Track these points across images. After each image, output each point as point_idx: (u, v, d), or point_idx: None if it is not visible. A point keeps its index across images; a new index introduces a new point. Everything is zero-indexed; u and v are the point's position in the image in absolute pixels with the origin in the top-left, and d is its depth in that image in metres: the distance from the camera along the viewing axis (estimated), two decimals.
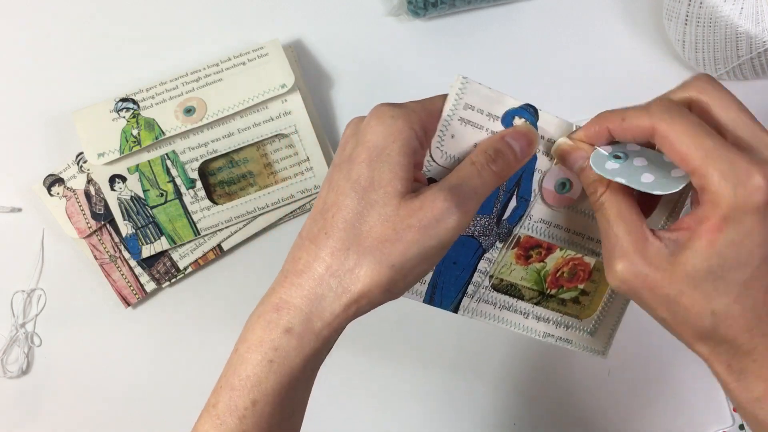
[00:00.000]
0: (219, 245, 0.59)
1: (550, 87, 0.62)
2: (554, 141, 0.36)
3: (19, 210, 0.61)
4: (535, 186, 0.37)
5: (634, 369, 0.60)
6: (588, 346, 0.42)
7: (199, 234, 0.58)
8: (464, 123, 0.35)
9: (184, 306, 0.60)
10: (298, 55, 0.62)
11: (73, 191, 0.59)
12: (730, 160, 0.30)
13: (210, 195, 0.59)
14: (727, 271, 0.31)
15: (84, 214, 0.59)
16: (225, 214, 0.58)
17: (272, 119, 0.58)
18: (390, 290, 0.32)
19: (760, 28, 0.54)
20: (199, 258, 0.59)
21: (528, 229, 0.38)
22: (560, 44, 0.62)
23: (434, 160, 0.35)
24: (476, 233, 0.38)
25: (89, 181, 0.59)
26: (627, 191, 0.34)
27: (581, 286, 0.40)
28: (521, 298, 0.40)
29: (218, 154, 0.58)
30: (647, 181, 0.33)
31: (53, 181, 0.59)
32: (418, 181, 0.34)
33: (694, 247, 0.31)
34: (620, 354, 0.60)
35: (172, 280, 0.60)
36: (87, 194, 0.59)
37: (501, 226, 0.38)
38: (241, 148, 0.58)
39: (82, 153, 0.59)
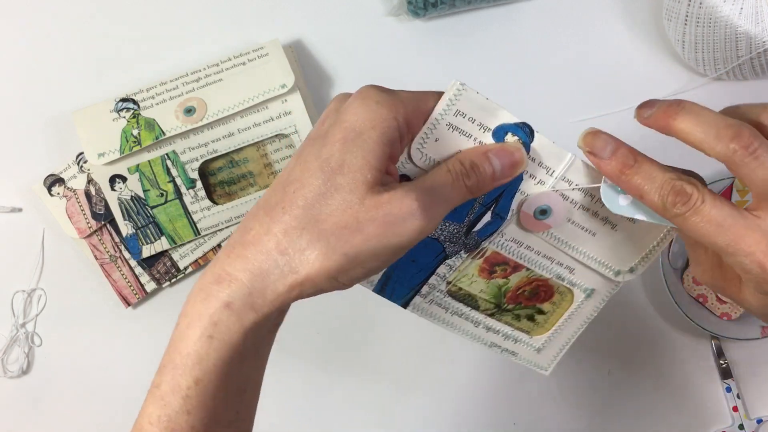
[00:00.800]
0: (219, 245, 0.59)
1: (550, 87, 0.62)
2: (545, 166, 0.35)
3: (20, 210, 0.61)
4: (513, 206, 0.36)
5: (634, 369, 0.61)
6: (532, 362, 0.42)
7: (200, 234, 0.58)
8: (452, 129, 0.33)
9: None
10: (298, 55, 0.62)
11: (74, 191, 0.59)
12: None
13: (210, 195, 0.59)
14: None
15: (84, 214, 0.59)
16: (225, 214, 0.58)
17: (272, 119, 0.58)
18: (337, 278, 0.30)
19: (759, 28, 0.54)
20: (200, 258, 0.59)
21: (498, 246, 0.38)
22: (560, 44, 0.62)
23: (411, 160, 0.34)
24: (442, 238, 0.37)
25: (89, 181, 0.59)
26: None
27: (539, 306, 0.40)
28: (476, 308, 0.40)
29: (218, 154, 0.58)
30: (622, 204, 0.35)
31: (53, 181, 0.59)
32: (389, 175, 0.32)
33: None
34: (620, 354, 0.60)
35: (173, 280, 0.60)
36: (87, 194, 0.59)
37: (470, 237, 0.37)
38: (241, 148, 0.58)
39: (82, 153, 0.59)
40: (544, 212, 0.36)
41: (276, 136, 0.59)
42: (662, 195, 0.32)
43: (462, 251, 0.37)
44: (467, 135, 0.34)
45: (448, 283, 0.39)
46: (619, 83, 0.61)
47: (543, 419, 0.60)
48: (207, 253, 0.59)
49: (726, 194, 0.59)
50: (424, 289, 0.38)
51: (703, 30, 0.56)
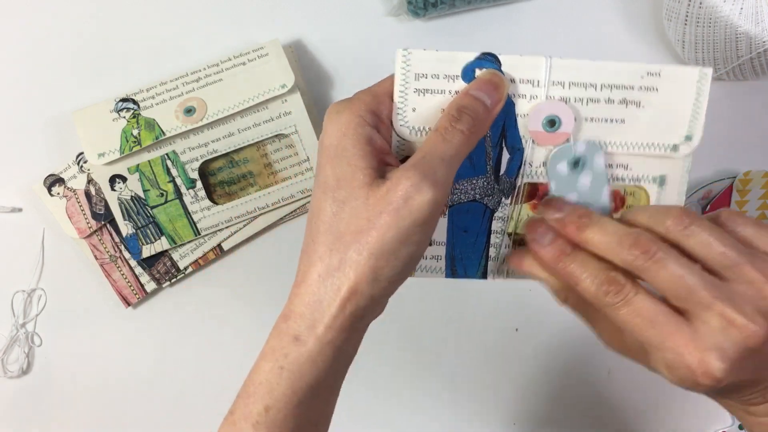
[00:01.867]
0: (219, 245, 0.59)
1: None
2: (528, 80, 0.34)
3: (20, 210, 0.61)
4: (522, 132, 0.35)
5: (633, 369, 0.60)
6: None
7: (199, 234, 0.58)
8: (421, 93, 0.34)
9: (184, 306, 0.61)
10: (298, 55, 0.62)
11: (74, 191, 0.59)
12: None
13: (210, 195, 0.59)
14: None
15: (84, 214, 0.59)
16: (225, 214, 0.58)
17: (272, 119, 0.58)
18: (377, 278, 0.31)
19: (759, 28, 0.54)
20: (199, 258, 0.59)
21: (531, 177, 0.36)
22: (560, 44, 0.62)
23: (402, 138, 0.34)
24: (478, 196, 0.36)
25: (89, 181, 0.59)
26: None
27: (617, 215, 0.37)
28: None
29: (218, 154, 0.58)
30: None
31: (54, 181, 0.59)
32: (388, 165, 0.33)
33: None
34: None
35: (173, 280, 0.60)
36: (87, 194, 0.59)
37: (501, 182, 0.36)
38: (241, 148, 0.58)
39: (82, 153, 0.59)
40: (552, 123, 0.35)
41: (276, 136, 0.59)
42: (596, 283, 0.32)
43: (503, 198, 0.36)
44: (440, 91, 0.34)
45: (509, 235, 0.37)
46: None
47: (543, 419, 0.60)
48: (207, 253, 0.59)
49: (726, 194, 0.59)
50: (492, 251, 0.37)
51: (703, 30, 0.56)
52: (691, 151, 0.36)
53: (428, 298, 0.61)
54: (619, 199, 0.37)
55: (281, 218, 0.60)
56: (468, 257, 0.37)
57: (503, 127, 0.35)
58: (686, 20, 0.57)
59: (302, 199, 0.59)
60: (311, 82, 0.62)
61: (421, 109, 0.34)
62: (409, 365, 0.61)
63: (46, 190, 0.59)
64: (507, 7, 0.63)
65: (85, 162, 0.59)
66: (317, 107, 0.61)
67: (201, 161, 0.58)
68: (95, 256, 0.59)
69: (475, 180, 0.36)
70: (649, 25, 0.63)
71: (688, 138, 0.36)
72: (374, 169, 0.32)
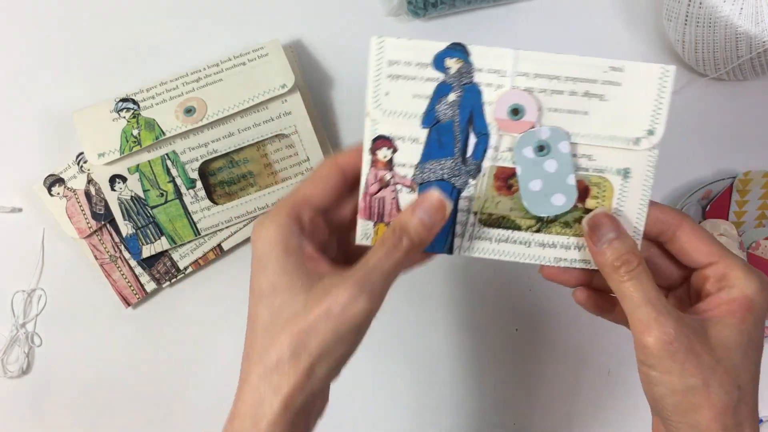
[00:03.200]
0: (219, 245, 0.59)
1: None
2: (495, 70, 0.36)
3: (20, 210, 0.61)
4: (489, 119, 0.37)
5: (633, 369, 0.60)
6: None
7: (200, 234, 0.58)
8: (394, 78, 0.36)
9: (184, 306, 0.61)
10: (298, 55, 0.62)
11: (74, 191, 0.59)
12: (745, 264, 0.37)
13: (210, 195, 0.59)
14: (751, 349, 0.35)
15: (84, 214, 0.59)
16: (225, 214, 0.58)
17: (272, 119, 0.58)
18: (314, 376, 0.33)
19: (759, 28, 0.54)
20: (200, 258, 0.59)
21: (496, 161, 0.38)
22: (560, 44, 0.62)
23: (375, 120, 0.37)
24: (446, 176, 0.38)
25: (89, 181, 0.59)
26: (649, 268, 0.36)
27: (582, 206, 0.39)
28: (517, 228, 0.39)
29: (218, 154, 0.58)
30: (533, 189, 0.37)
31: (54, 181, 0.59)
32: (320, 269, 0.35)
33: (726, 322, 0.35)
34: (620, 354, 0.60)
35: (173, 280, 0.60)
36: (87, 194, 0.59)
37: (468, 164, 0.38)
38: (241, 148, 0.58)
39: (82, 153, 0.59)
40: (516, 111, 0.37)
41: (276, 136, 0.59)
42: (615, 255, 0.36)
43: (469, 179, 0.38)
44: (412, 77, 0.36)
45: (475, 213, 0.39)
46: None
47: (543, 419, 0.60)
48: (207, 253, 0.59)
49: (726, 194, 0.59)
50: (458, 228, 0.39)
51: (703, 30, 0.56)
52: (652, 145, 0.37)
53: (428, 298, 0.61)
54: (583, 188, 0.38)
55: None
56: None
57: (471, 114, 0.37)
58: (686, 20, 0.57)
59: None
60: (311, 82, 0.62)
61: (394, 92, 0.37)
62: (408, 365, 0.61)
63: (46, 190, 0.59)
64: (507, 7, 0.63)
65: (85, 162, 0.59)
66: (317, 107, 0.61)
67: (201, 161, 0.58)
68: (95, 256, 0.59)
69: (443, 161, 0.38)
70: (649, 25, 0.63)
71: (650, 132, 0.37)
72: (308, 275, 0.34)
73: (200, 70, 0.58)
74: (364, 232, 0.38)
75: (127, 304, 0.59)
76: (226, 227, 0.59)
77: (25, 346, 0.60)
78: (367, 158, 0.38)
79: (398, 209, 0.38)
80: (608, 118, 0.37)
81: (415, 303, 0.61)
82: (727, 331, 0.35)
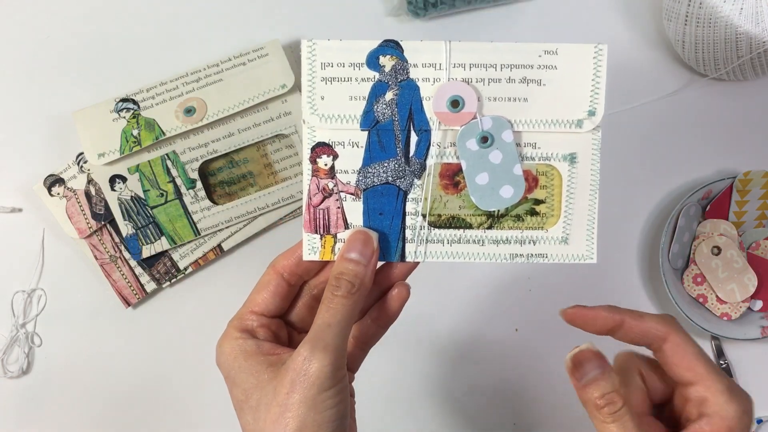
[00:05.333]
0: (219, 245, 0.59)
1: None
2: (430, 64, 0.36)
3: (20, 210, 0.61)
4: (429, 114, 0.36)
5: None
6: (568, 255, 0.39)
7: (199, 234, 0.58)
8: (328, 81, 0.35)
9: (184, 306, 0.61)
10: (298, 55, 0.62)
11: (74, 191, 0.59)
12: (729, 384, 0.35)
13: (210, 195, 0.59)
14: None
15: (84, 214, 0.59)
16: (225, 215, 0.58)
17: (272, 119, 0.58)
18: None
19: (760, 28, 0.54)
20: (199, 258, 0.59)
21: (440, 158, 0.37)
22: None
23: (313, 127, 0.36)
24: (390, 178, 0.37)
25: (89, 181, 0.59)
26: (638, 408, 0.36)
27: (531, 196, 0.38)
28: (468, 227, 0.38)
29: (218, 154, 0.58)
30: (480, 183, 0.36)
31: (54, 182, 0.59)
32: (280, 350, 0.36)
33: None
34: None
35: (172, 280, 0.60)
36: (87, 194, 0.59)
37: (412, 163, 0.37)
38: (241, 149, 0.58)
39: (82, 153, 0.59)
40: (456, 103, 0.36)
41: (276, 136, 0.59)
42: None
43: (415, 179, 0.37)
44: (346, 79, 0.35)
45: (424, 216, 0.38)
46: (619, 83, 0.61)
47: (543, 419, 0.60)
48: (207, 253, 0.59)
49: (726, 194, 0.59)
50: (408, 233, 0.38)
51: (703, 30, 0.56)
52: (595, 125, 0.37)
53: (427, 299, 0.61)
54: (531, 179, 0.38)
55: (281, 218, 0.60)
56: (384, 240, 0.38)
57: (410, 111, 0.36)
58: (686, 20, 0.57)
59: (302, 199, 0.59)
60: None
61: (329, 96, 0.36)
62: (407, 366, 0.61)
63: (46, 190, 0.59)
64: (507, 7, 0.63)
65: (85, 162, 0.59)
66: None
67: (201, 161, 0.58)
68: (95, 256, 0.59)
69: (386, 163, 0.37)
70: (649, 25, 0.63)
71: (591, 113, 0.37)
72: (272, 365, 0.35)
73: (200, 70, 0.58)
74: (310, 246, 0.37)
75: (127, 304, 0.59)
76: (226, 227, 0.59)
77: (25, 346, 0.60)
78: (307, 167, 0.37)
79: (344, 219, 0.37)
80: (548, 102, 0.36)
81: (413, 303, 0.61)
82: None
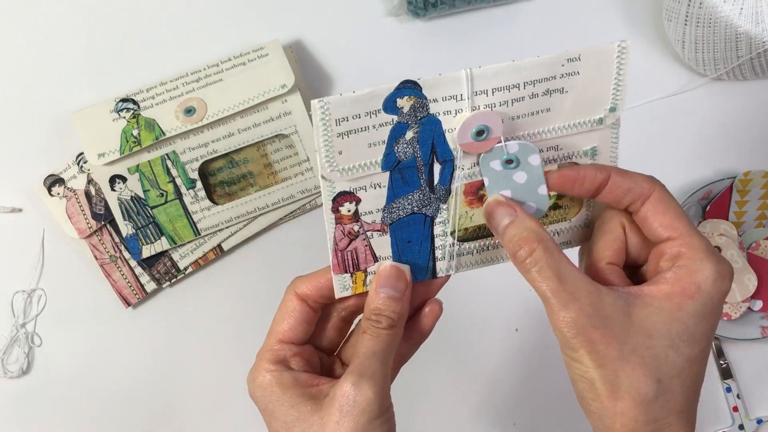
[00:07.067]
0: (219, 245, 0.59)
1: None
2: (451, 96, 0.34)
3: (20, 210, 0.61)
4: (452, 145, 0.35)
5: None
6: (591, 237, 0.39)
7: (200, 234, 0.58)
8: (345, 135, 0.33)
9: (184, 306, 0.61)
10: (298, 55, 0.62)
11: (74, 191, 0.59)
12: (708, 245, 0.33)
13: (210, 195, 0.59)
14: (683, 341, 0.31)
15: (84, 215, 0.59)
16: (225, 215, 0.58)
17: (272, 119, 0.58)
18: None
19: (760, 28, 0.54)
20: (199, 258, 0.59)
21: (464, 179, 0.36)
22: (560, 44, 0.62)
23: (333, 181, 0.34)
24: (416, 209, 0.36)
25: (89, 181, 0.59)
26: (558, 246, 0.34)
27: (552, 194, 0.38)
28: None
29: (218, 154, 0.58)
30: (504, 195, 0.36)
31: (54, 182, 0.59)
32: (318, 381, 0.36)
33: (658, 306, 0.32)
34: None
35: (173, 280, 0.60)
36: (87, 194, 0.59)
37: (437, 190, 0.36)
38: (241, 149, 0.58)
39: (82, 153, 0.59)
40: (481, 132, 0.35)
41: (276, 136, 0.59)
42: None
43: (440, 204, 0.37)
44: (364, 129, 0.33)
45: (452, 233, 0.38)
46: None
47: (543, 419, 0.60)
48: (207, 253, 0.59)
49: (726, 194, 0.59)
50: (438, 253, 0.38)
51: (703, 30, 0.56)
52: (615, 120, 0.37)
53: None
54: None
55: (281, 218, 0.60)
56: (415, 265, 0.38)
57: (432, 145, 0.35)
58: (686, 20, 0.57)
59: (302, 199, 0.59)
60: (311, 82, 0.62)
61: (347, 150, 0.34)
62: (407, 365, 0.61)
63: (46, 191, 0.59)
64: (507, 7, 0.63)
65: (85, 162, 0.59)
66: None
67: (201, 161, 0.58)
68: (95, 256, 0.59)
69: (410, 195, 0.36)
70: (649, 25, 0.63)
71: (612, 110, 0.37)
72: (313, 397, 0.35)
73: (200, 70, 0.58)
74: (341, 285, 0.37)
75: (127, 304, 0.59)
76: (226, 227, 0.59)
77: (25, 346, 0.60)
78: (330, 217, 0.35)
79: (373, 254, 0.37)
80: (570, 108, 0.36)
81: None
82: (654, 316, 0.32)
